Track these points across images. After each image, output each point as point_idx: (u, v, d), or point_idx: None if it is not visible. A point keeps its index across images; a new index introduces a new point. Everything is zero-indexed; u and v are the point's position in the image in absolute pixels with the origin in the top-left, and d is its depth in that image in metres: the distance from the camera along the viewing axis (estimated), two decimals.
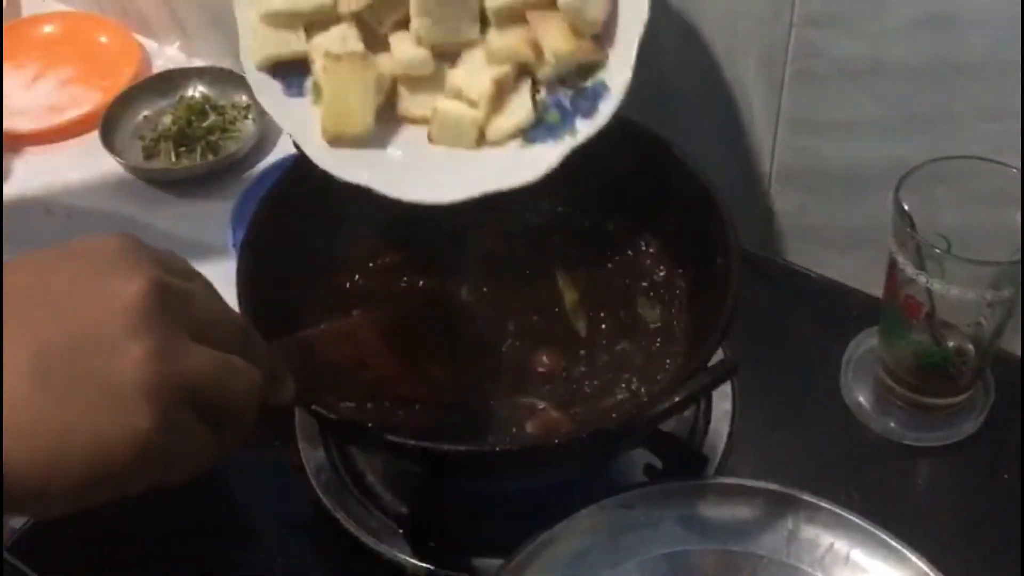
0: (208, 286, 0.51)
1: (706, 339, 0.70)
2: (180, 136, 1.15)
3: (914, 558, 0.65)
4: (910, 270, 0.73)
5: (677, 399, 0.63)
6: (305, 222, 0.81)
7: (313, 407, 0.67)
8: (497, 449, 0.70)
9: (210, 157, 1.13)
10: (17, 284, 0.45)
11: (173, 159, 1.14)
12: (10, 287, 0.44)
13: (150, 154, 1.15)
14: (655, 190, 0.82)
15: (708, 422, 0.82)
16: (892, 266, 0.75)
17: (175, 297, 0.46)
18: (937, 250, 0.70)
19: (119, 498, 0.46)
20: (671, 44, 0.87)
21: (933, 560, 0.65)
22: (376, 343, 0.68)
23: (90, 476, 0.43)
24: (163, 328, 0.44)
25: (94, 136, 1.15)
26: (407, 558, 0.75)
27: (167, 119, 1.17)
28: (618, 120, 0.81)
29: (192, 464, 0.48)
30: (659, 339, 0.80)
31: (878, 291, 0.80)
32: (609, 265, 0.85)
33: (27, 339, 0.43)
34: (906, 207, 0.72)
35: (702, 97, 0.89)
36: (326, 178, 0.81)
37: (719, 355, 0.75)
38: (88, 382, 0.42)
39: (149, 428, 0.43)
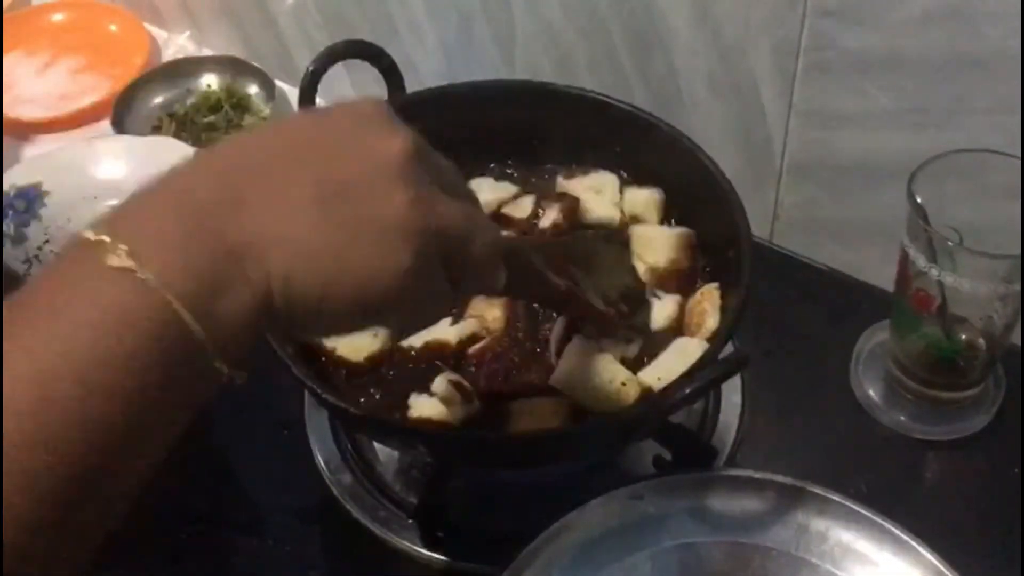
0: (448, 162, 0.55)
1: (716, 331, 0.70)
2: (193, 126, 1.15)
3: (923, 551, 0.65)
4: (922, 263, 0.72)
5: (688, 391, 0.63)
6: None
7: (323, 396, 0.67)
8: (505, 437, 0.70)
9: None
10: (296, 135, 0.51)
11: None
12: (290, 137, 0.50)
13: None
14: (667, 182, 0.81)
15: (718, 414, 0.82)
16: (904, 259, 0.75)
17: (429, 156, 0.52)
18: (949, 243, 0.70)
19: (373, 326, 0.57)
20: (683, 35, 0.87)
21: (942, 553, 0.64)
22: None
23: (357, 300, 0.48)
24: (421, 181, 0.50)
25: (105, 124, 1.15)
26: (417, 548, 0.75)
27: (184, 107, 1.18)
28: (630, 113, 0.81)
29: (432, 311, 0.54)
30: None
31: (889, 284, 0.80)
32: None
33: (308, 178, 0.48)
34: (919, 200, 0.71)
35: (713, 88, 0.89)
36: None
37: (729, 347, 0.75)
38: (360, 220, 0.48)
39: (408, 265, 0.48)
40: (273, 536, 0.79)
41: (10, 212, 1.02)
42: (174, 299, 0.43)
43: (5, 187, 1.04)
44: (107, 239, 0.44)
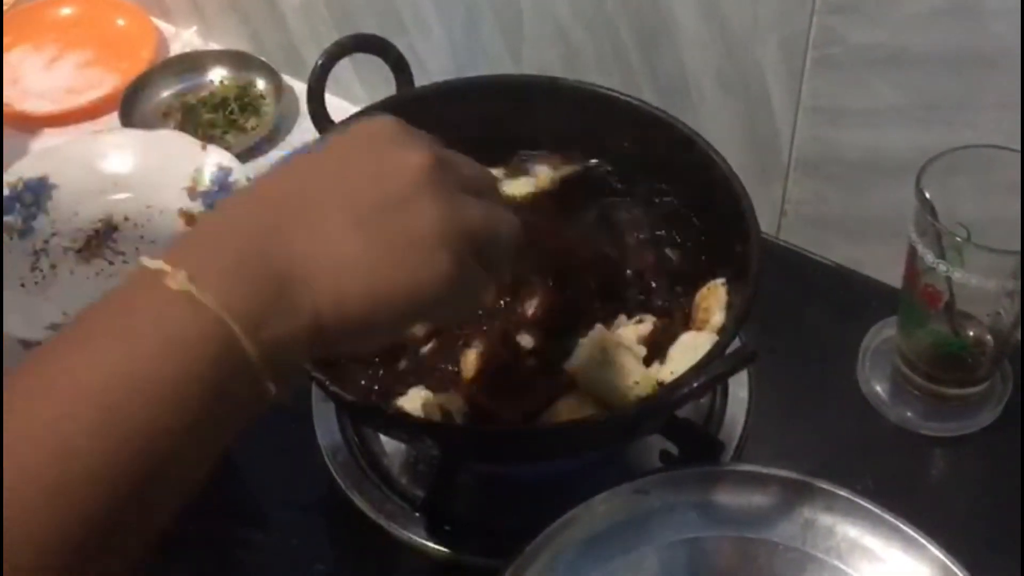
0: (464, 157, 0.58)
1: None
2: (196, 120, 1.15)
3: (931, 547, 0.64)
4: (930, 259, 0.72)
5: (695, 385, 0.63)
6: None
7: (330, 388, 0.67)
8: (512, 431, 0.70)
9: (240, 137, 1.13)
10: (325, 163, 0.54)
11: None
12: (321, 166, 0.54)
13: None
14: (676, 179, 0.81)
15: (724, 409, 0.82)
16: (912, 255, 0.75)
17: (449, 162, 0.54)
18: (958, 239, 0.70)
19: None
20: (691, 30, 0.87)
21: (949, 549, 0.64)
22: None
23: (408, 311, 0.52)
24: (446, 187, 0.53)
25: (112, 118, 1.15)
26: (422, 541, 0.75)
27: (197, 96, 1.18)
28: (638, 108, 0.81)
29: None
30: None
31: (896, 280, 0.80)
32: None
33: (343, 204, 0.51)
34: (927, 195, 0.71)
35: (721, 84, 0.89)
36: None
37: (736, 343, 0.75)
38: (398, 236, 0.51)
39: (449, 270, 0.51)
40: (279, 529, 0.79)
41: (17, 205, 1.04)
42: (232, 321, 0.45)
43: (13, 180, 1.04)
44: (166, 267, 0.46)
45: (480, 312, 0.70)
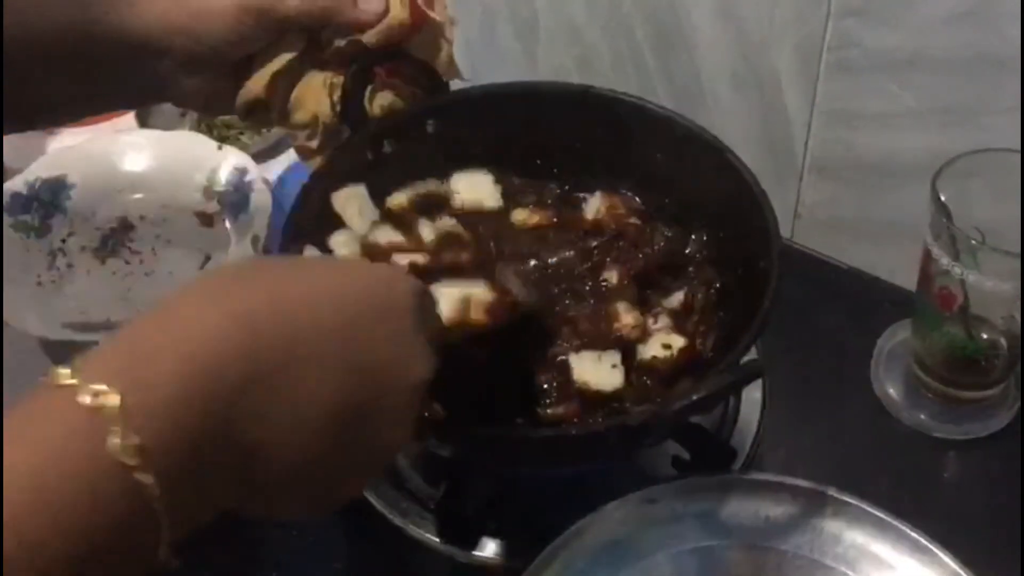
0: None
1: (738, 339, 0.70)
2: (218, 123, 1.16)
3: (942, 554, 0.64)
4: (945, 261, 0.72)
5: (695, 397, 0.62)
6: None
7: None
8: (517, 435, 0.69)
9: (256, 138, 1.14)
10: (327, 316, 0.48)
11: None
12: (321, 316, 0.48)
13: None
14: (696, 186, 0.81)
15: (738, 413, 0.81)
16: (926, 258, 0.75)
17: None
18: (973, 242, 0.70)
19: None
20: (706, 32, 0.87)
21: (961, 556, 0.64)
22: None
23: (328, 506, 0.52)
24: (421, 400, 0.53)
25: (129, 118, 1.16)
26: (436, 540, 0.75)
27: None
28: (658, 115, 0.81)
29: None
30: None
31: (910, 283, 0.80)
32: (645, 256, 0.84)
33: (329, 394, 0.47)
34: (943, 198, 0.71)
35: (736, 86, 0.89)
36: (375, 153, 0.80)
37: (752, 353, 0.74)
38: (361, 448, 0.49)
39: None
40: (296, 527, 0.80)
41: (35, 204, 1.04)
42: (154, 486, 0.40)
43: (31, 179, 1.05)
44: (109, 396, 0.39)
45: None
